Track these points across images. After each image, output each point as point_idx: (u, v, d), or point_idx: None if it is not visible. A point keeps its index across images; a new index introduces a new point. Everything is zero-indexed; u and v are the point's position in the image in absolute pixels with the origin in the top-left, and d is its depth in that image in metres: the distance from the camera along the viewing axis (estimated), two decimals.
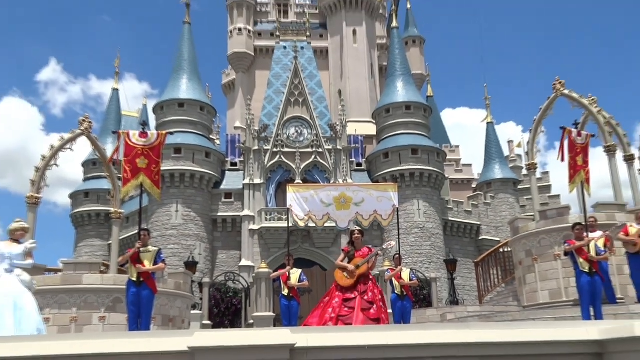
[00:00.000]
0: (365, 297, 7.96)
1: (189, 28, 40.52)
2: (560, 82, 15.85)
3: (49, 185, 15.61)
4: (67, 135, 15.77)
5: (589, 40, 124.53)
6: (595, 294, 9.40)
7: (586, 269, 9.47)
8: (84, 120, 15.74)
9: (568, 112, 16.19)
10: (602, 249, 9.98)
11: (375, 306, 7.92)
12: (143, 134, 10.48)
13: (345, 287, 8.09)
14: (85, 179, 41.79)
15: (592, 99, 16.12)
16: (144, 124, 11.56)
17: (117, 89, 46.50)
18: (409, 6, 53.63)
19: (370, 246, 8.59)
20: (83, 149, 35.83)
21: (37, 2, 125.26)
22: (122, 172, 10.42)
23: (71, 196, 42.07)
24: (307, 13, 48.42)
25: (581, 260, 9.54)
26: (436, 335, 4.46)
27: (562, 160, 11.87)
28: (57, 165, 15.64)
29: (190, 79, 38.43)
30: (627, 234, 10.86)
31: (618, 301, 11.47)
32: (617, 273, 12.20)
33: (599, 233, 10.52)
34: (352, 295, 7.97)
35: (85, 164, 41.83)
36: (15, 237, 7.62)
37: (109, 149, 25.16)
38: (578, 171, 11.73)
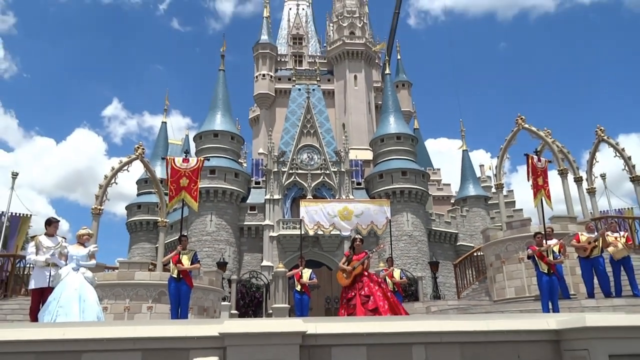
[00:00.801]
0: (362, 292, 7.77)
1: (223, 74, 40.93)
2: (521, 118, 15.77)
3: (109, 199, 15.62)
4: (124, 159, 15.82)
5: (548, 83, 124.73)
6: (552, 291, 9.26)
7: (545, 270, 9.35)
8: (138, 147, 15.80)
9: (529, 141, 16.13)
10: (558, 253, 9.86)
11: (372, 297, 7.69)
12: (185, 160, 10.60)
13: (346, 287, 7.97)
14: (139, 194, 41.93)
15: (548, 132, 16.02)
16: (187, 152, 11.64)
17: (165, 122, 46.87)
18: (399, 57, 53.94)
19: (366, 250, 8.47)
20: (137, 170, 36.11)
21: (104, 54, 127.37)
22: (169, 190, 10.49)
23: (127, 208, 42.20)
24: (318, 62, 48.82)
25: (541, 262, 9.43)
26: (423, 325, 4.40)
27: (529, 180, 11.87)
28: (116, 183, 15.66)
29: (223, 114, 38.71)
30: (578, 241, 10.77)
31: (571, 297, 11.29)
32: (570, 273, 12.03)
33: (554, 240, 10.40)
34: (352, 294, 7.83)
35: (138, 182, 42.02)
36: (82, 240, 7.63)
37: (158, 170, 25.30)
38: (539, 189, 11.69)
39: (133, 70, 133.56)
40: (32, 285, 7.37)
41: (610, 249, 10.51)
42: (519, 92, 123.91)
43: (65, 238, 7.79)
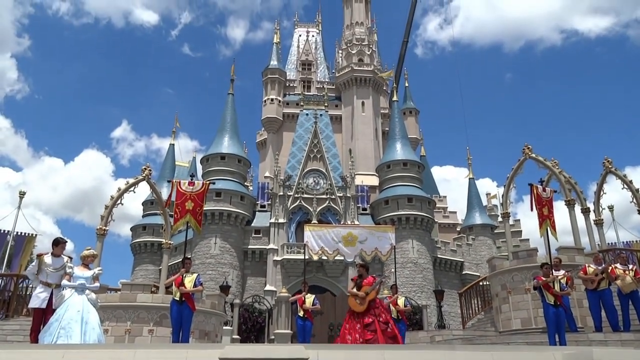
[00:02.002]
0: (380, 319, 7.63)
1: (232, 98, 41.45)
2: (528, 148, 15.78)
3: (114, 220, 15.65)
4: (131, 180, 15.91)
5: (554, 114, 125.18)
6: (559, 323, 9.11)
7: (552, 302, 9.22)
8: (145, 169, 15.89)
9: (535, 171, 16.08)
10: (565, 285, 9.75)
11: (390, 325, 7.62)
12: (191, 183, 10.71)
13: (359, 313, 7.73)
14: (144, 215, 41.96)
15: (555, 162, 16.00)
16: (192, 175, 11.76)
17: (173, 144, 47.29)
18: (407, 84, 54.53)
19: (374, 275, 8.38)
20: (143, 191, 36.27)
21: (115, 77, 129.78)
22: (174, 213, 10.57)
23: (132, 229, 42.21)
24: (326, 88, 49.43)
25: (548, 294, 9.31)
26: (427, 355, 4.35)
27: (532, 210, 11.81)
28: (122, 204, 15.70)
29: (231, 137, 39.03)
30: (585, 273, 10.64)
31: (579, 330, 11.10)
32: (578, 306, 11.84)
33: (562, 272, 10.29)
34: (370, 320, 7.60)
35: (144, 203, 42.11)
36: (87, 262, 7.65)
37: (164, 192, 25.37)
38: (545, 220, 11.62)
39: (143, 93, 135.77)
40: (33, 304, 7.36)
41: (619, 282, 10.37)
42: (525, 122, 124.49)
43: (71, 258, 7.82)
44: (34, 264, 7.62)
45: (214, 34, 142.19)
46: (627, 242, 22.38)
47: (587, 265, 10.90)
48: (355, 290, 7.93)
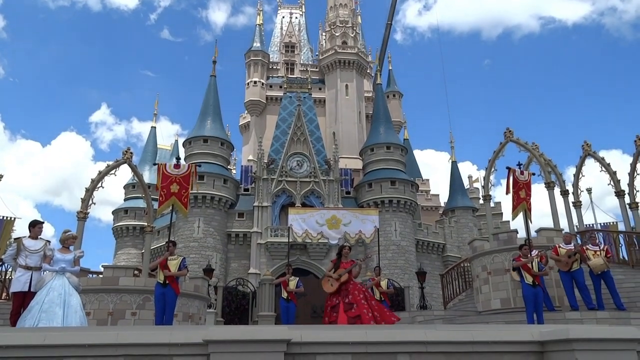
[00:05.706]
0: (346, 300, 7.80)
1: (214, 80, 40.88)
2: (510, 131, 15.93)
3: (95, 203, 15.44)
4: (112, 163, 15.68)
5: (531, 100, 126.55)
6: (537, 303, 9.32)
7: (530, 282, 9.42)
8: (126, 151, 15.68)
9: (515, 155, 16.29)
10: (542, 265, 9.94)
11: (355, 305, 7.71)
12: (177, 166, 10.55)
13: (331, 294, 7.97)
14: (126, 199, 41.56)
15: (535, 145, 16.22)
16: (178, 158, 11.59)
17: (154, 127, 46.68)
18: (390, 67, 54.40)
19: (353, 259, 8.50)
20: (124, 175, 35.77)
21: (94, 60, 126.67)
22: (158, 196, 10.43)
23: (113, 212, 41.79)
24: (309, 71, 49.04)
25: (526, 274, 9.49)
26: (408, 334, 4.42)
27: (507, 193, 11.96)
28: (102, 187, 15.49)
29: (213, 120, 38.61)
30: (557, 254, 10.78)
31: (556, 309, 11.36)
32: (556, 286, 12.10)
33: (535, 252, 10.42)
34: (336, 301, 7.85)
35: (126, 187, 41.69)
36: (67, 244, 7.55)
37: (145, 175, 25.07)
38: (520, 202, 11.78)
39: (123, 76, 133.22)
40: (15, 288, 7.27)
41: (590, 262, 10.56)
42: (504, 107, 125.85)
43: (49, 241, 7.69)
44: (12, 247, 7.51)
45: (195, 17, 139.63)
46: (604, 223, 22.88)
47: (557, 245, 11.07)
48: (332, 272, 8.08)
